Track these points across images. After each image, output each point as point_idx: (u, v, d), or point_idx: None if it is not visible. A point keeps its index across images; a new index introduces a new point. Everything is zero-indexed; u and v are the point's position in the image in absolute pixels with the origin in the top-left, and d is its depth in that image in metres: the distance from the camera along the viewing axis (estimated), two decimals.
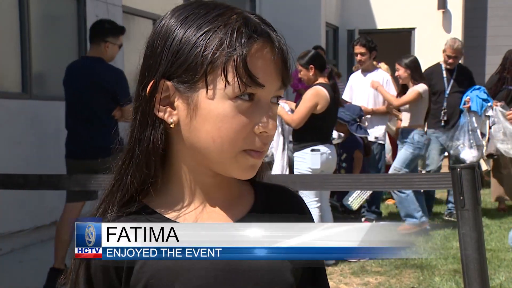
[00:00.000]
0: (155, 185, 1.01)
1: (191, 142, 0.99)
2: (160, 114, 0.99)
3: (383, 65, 8.30)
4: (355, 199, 5.26)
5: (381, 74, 6.67)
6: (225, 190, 1.04)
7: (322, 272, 1.13)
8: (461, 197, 2.30)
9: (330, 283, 4.89)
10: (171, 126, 0.98)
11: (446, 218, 6.98)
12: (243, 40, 0.94)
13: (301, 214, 1.09)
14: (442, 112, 6.76)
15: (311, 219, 1.11)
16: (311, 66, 5.17)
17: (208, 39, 0.95)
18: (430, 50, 10.83)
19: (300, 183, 2.99)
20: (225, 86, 0.94)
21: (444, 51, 6.89)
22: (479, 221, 2.31)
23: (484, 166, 8.82)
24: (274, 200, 1.08)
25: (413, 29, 11.73)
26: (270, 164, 5.73)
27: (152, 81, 0.98)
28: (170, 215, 1.00)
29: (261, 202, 1.06)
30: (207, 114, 0.96)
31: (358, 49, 6.60)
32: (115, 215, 0.99)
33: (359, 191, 5.24)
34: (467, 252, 2.29)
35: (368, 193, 5.30)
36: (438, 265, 5.07)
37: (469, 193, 2.29)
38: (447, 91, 6.80)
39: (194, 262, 0.94)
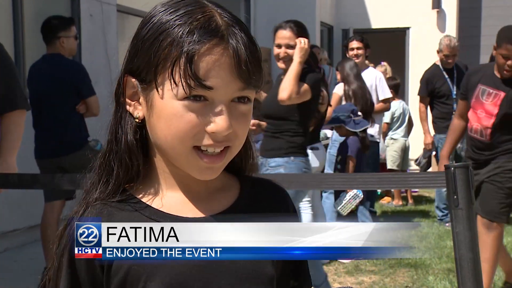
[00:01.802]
0: (139, 175, 1.03)
1: (152, 137, 1.02)
2: (129, 108, 1.02)
3: (386, 64, 8.34)
4: (345, 205, 5.27)
5: (373, 72, 6.66)
6: (206, 182, 1.04)
7: (303, 263, 1.14)
8: (455, 196, 2.31)
9: None
10: (136, 120, 1.01)
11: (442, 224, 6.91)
12: (193, 40, 0.93)
13: (285, 209, 1.10)
14: (453, 116, 6.51)
15: (295, 215, 1.13)
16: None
17: (163, 39, 0.96)
18: (424, 50, 10.85)
19: (297, 182, 3.00)
20: (172, 88, 0.95)
21: (440, 51, 6.75)
22: (473, 220, 2.32)
23: None
24: (259, 194, 1.09)
25: (408, 28, 11.75)
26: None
27: (119, 77, 1.03)
28: (154, 204, 1.02)
29: (246, 196, 1.07)
30: (160, 112, 0.97)
31: (356, 44, 6.59)
32: (100, 204, 1.01)
33: (349, 197, 5.24)
34: (461, 251, 2.30)
35: (359, 199, 5.29)
36: (432, 264, 5.09)
37: (463, 192, 2.30)
38: (454, 93, 6.61)
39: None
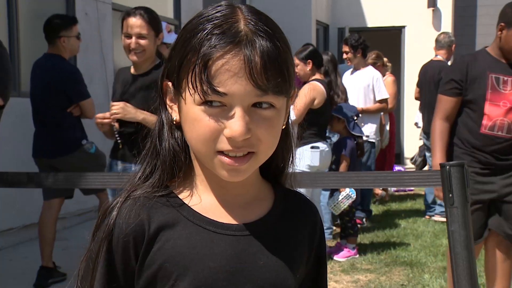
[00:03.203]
0: (179, 174, 1.05)
1: (185, 139, 1.04)
2: (169, 111, 1.06)
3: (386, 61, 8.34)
4: (337, 205, 5.27)
5: (371, 72, 6.66)
6: (244, 187, 1.06)
7: (323, 277, 1.16)
8: (450, 195, 2.31)
9: None
10: (174, 122, 1.05)
11: (435, 219, 6.98)
12: (209, 45, 0.94)
13: (314, 223, 1.13)
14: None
15: (321, 228, 1.15)
16: (309, 61, 5.20)
17: (188, 44, 0.97)
18: (420, 48, 10.85)
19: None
20: (191, 93, 0.96)
21: (449, 46, 6.75)
22: (468, 218, 2.32)
23: None
24: (291, 206, 1.11)
25: (403, 27, 11.75)
26: None
27: (160, 82, 1.06)
28: (191, 204, 1.04)
29: (279, 207, 1.09)
30: (185, 117, 1.01)
31: (344, 48, 6.70)
32: (143, 198, 1.03)
33: (341, 197, 5.24)
34: (456, 249, 2.30)
35: (351, 199, 5.29)
36: (428, 263, 5.10)
37: (458, 191, 2.30)
38: None
39: (207, 255, 1.00)
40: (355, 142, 5.45)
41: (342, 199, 5.23)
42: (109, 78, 7.03)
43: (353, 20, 11.79)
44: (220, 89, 0.93)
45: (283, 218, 1.08)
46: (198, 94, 0.94)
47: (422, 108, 7.00)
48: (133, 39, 3.38)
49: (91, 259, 1.04)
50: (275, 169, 1.10)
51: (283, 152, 1.08)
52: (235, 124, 0.95)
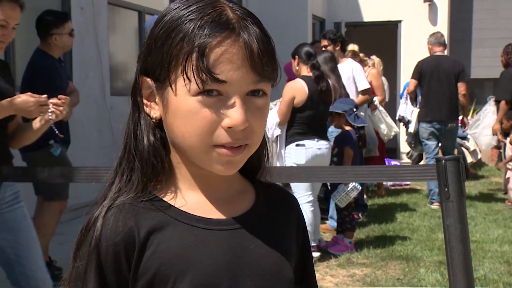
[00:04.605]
0: (163, 175, 1.03)
1: (170, 137, 1.01)
2: (146, 109, 1.02)
3: (375, 58, 8.34)
4: (343, 197, 5.27)
5: (350, 64, 6.65)
6: (227, 183, 1.05)
7: (311, 271, 1.17)
8: (446, 189, 2.31)
9: (317, 275, 4.93)
10: (153, 121, 1.01)
11: (432, 206, 7.07)
12: (204, 34, 0.93)
13: (297, 213, 1.13)
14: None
15: (303, 219, 1.15)
16: (295, 56, 5.15)
17: (175, 35, 0.95)
18: (416, 43, 10.86)
19: (287, 175, 3.00)
20: (185, 83, 0.94)
21: (445, 44, 7.34)
22: (463, 212, 2.32)
23: (469, 159, 8.92)
24: (273, 198, 1.10)
25: (400, 21, 11.76)
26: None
27: (135, 78, 1.03)
28: (177, 204, 1.02)
29: (262, 200, 1.08)
30: (176, 110, 0.97)
31: (322, 42, 6.78)
32: (127, 204, 1.00)
33: (347, 190, 5.24)
34: (452, 243, 2.30)
35: (356, 191, 5.30)
36: (424, 257, 5.11)
37: (453, 185, 2.30)
38: None
39: (203, 252, 0.98)
40: (357, 134, 5.46)
41: (348, 191, 5.23)
42: (105, 73, 7.02)
43: (349, 15, 11.79)
44: (220, 77, 0.92)
45: (269, 210, 1.07)
46: (196, 84, 0.92)
47: (424, 99, 7.23)
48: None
49: (79, 276, 1.00)
50: (251, 164, 1.08)
51: (259, 148, 1.06)
52: (236, 113, 0.93)
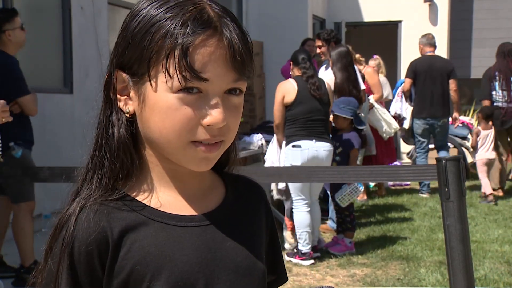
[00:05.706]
0: (131, 172, 1.02)
1: (144, 132, 1.00)
2: (119, 104, 1.01)
3: (378, 58, 8.35)
4: (345, 197, 5.26)
5: None
6: (199, 179, 1.05)
7: (280, 258, 1.18)
8: (446, 189, 2.31)
9: (317, 275, 4.95)
10: (127, 115, 1.00)
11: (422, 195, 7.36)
12: (187, 32, 0.93)
13: (264, 201, 1.14)
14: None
15: (269, 205, 1.17)
16: (291, 61, 5.29)
17: (155, 31, 0.95)
18: (416, 43, 10.84)
19: (287, 175, 3.00)
20: (167, 80, 0.94)
21: (435, 46, 7.77)
22: (464, 212, 2.32)
23: (469, 159, 8.92)
24: (242, 191, 1.11)
25: (400, 21, 11.75)
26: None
27: (107, 72, 1.02)
28: (150, 203, 1.01)
29: (232, 193, 1.09)
30: (154, 106, 0.96)
31: (316, 42, 6.83)
32: (98, 204, 0.99)
33: (350, 189, 5.23)
34: (452, 243, 2.31)
35: (359, 192, 5.30)
36: (424, 257, 5.11)
37: (454, 185, 2.30)
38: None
39: (177, 250, 0.98)
40: (359, 134, 5.50)
41: (350, 191, 5.23)
42: (105, 73, 7.01)
43: (349, 15, 11.78)
44: (202, 75, 0.92)
45: (239, 202, 1.08)
46: (178, 81, 0.92)
47: (419, 97, 7.66)
48: None
49: (50, 276, 0.98)
50: (220, 158, 1.06)
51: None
52: (216, 111, 0.94)
